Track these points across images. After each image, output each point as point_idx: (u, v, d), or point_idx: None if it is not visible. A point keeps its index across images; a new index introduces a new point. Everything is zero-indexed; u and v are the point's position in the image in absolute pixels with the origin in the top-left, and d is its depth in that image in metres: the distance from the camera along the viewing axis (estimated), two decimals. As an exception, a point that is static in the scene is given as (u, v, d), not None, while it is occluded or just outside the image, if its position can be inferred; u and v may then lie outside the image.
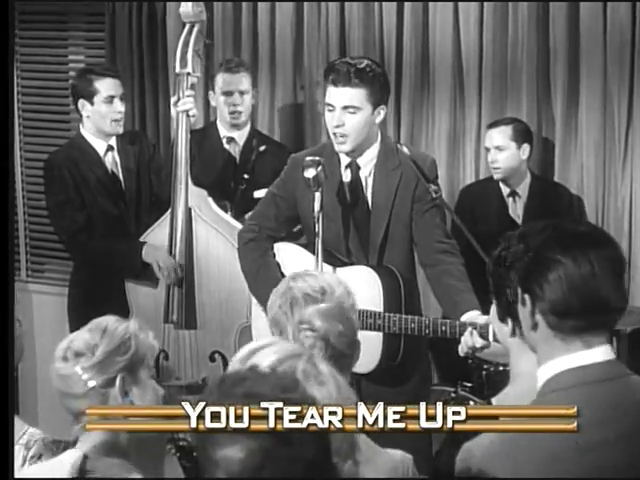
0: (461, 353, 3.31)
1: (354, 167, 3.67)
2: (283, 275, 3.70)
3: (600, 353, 1.94)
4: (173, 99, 4.30)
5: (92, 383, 2.28)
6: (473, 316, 3.37)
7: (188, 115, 4.23)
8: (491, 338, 3.20)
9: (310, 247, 3.72)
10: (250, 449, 1.62)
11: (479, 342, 3.23)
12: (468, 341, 3.25)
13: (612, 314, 1.96)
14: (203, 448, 1.68)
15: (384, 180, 3.66)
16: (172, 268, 4.22)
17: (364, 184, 3.68)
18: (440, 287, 3.59)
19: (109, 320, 2.36)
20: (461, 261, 3.63)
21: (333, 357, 2.31)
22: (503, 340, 2.34)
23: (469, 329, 3.25)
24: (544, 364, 1.96)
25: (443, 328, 3.34)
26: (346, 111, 3.54)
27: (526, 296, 1.95)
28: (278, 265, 3.77)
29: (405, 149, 3.64)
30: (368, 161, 3.67)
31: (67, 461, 2.29)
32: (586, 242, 1.93)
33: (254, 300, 3.86)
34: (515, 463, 1.88)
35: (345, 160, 3.68)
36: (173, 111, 4.27)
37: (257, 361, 1.97)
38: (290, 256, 3.78)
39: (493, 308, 2.29)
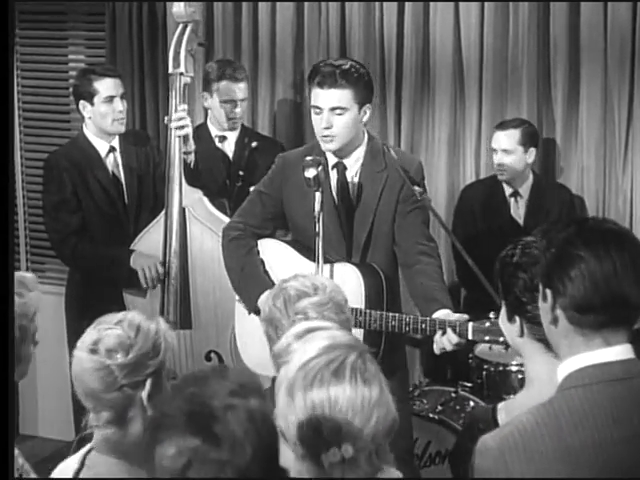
0: (437, 352, 3.36)
1: (341, 168, 3.69)
2: (267, 273, 3.72)
3: (621, 351, 1.96)
4: (166, 119, 4.30)
5: (123, 381, 2.27)
6: (443, 314, 3.40)
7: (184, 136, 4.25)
8: (470, 336, 3.22)
9: (293, 244, 3.75)
10: (180, 447, 1.64)
11: (449, 345, 3.28)
12: (438, 343, 3.31)
13: (632, 310, 1.97)
14: (147, 444, 1.70)
15: (369, 182, 3.67)
16: (156, 276, 4.25)
17: (350, 184, 3.69)
18: (415, 286, 3.61)
19: (140, 318, 2.34)
20: (438, 262, 3.65)
21: None
22: (512, 341, 2.35)
23: (439, 332, 3.29)
24: (565, 360, 1.98)
25: (423, 326, 3.36)
26: (334, 112, 3.55)
27: (547, 291, 1.97)
28: (262, 263, 3.77)
29: (392, 152, 3.65)
30: (354, 162, 3.68)
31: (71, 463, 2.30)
32: (608, 239, 1.95)
33: (237, 297, 3.86)
34: (531, 456, 1.89)
35: (332, 160, 3.69)
36: (166, 120, 4.30)
37: (309, 340, 1.95)
38: (274, 252, 3.78)
39: (502, 310, 2.31)
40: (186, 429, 1.64)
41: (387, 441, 1.88)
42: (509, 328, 2.32)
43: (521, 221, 4.59)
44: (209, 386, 1.70)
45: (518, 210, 4.61)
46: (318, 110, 3.58)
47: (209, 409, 1.66)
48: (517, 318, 2.27)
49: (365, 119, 3.63)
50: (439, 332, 3.31)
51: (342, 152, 3.66)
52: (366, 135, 3.71)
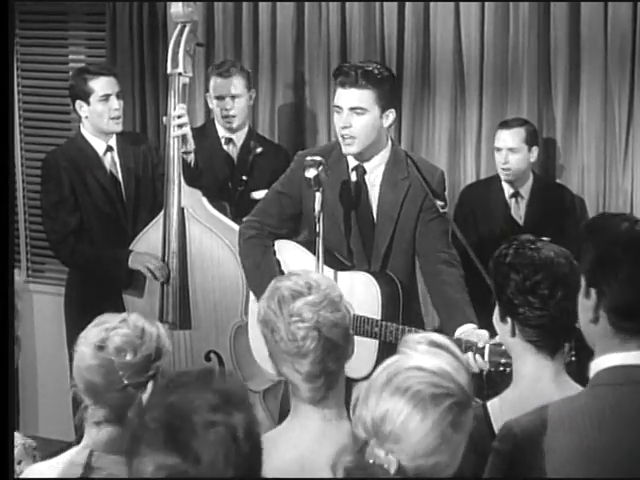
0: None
1: (360, 171, 3.67)
2: (282, 273, 3.70)
3: None
4: (165, 119, 4.30)
5: (126, 381, 2.27)
6: (468, 330, 3.36)
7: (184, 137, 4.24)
8: (486, 358, 3.14)
9: (311, 245, 3.73)
10: (158, 464, 1.61)
11: (477, 369, 3.17)
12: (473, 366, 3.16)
13: None
14: (127, 453, 1.67)
15: (391, 190, 3.65)
16: (161, 266, 4.23)
17: (369, 189, 3.68)
18: (438, 297, 3.60)
19: (143, 320, 2.35)
20: (461, 272, 3.62)
21: (326, 349, 2.30)
22: (504, 341, 2.34)
23: (469, 354, 3.16)
24: (598, 357, 1.97)
25: None
26: (353, 112, 3.54)
27: (592, 290, 1.95)
28: (278, 262, 3.77)
29: (415, 160, 3.63)
30: (375, 166, 3.66)
31: (78, 462, 2.28)
32: None
33: (252, 297, 3.87)
34: (551, 449, 1.89)
35: (352, 163, 3.67)
36: (165, 120, 4.29)
37: (438, 355, 1.91)
38: (291, 254, 3.78)
39: (496, 309, 2.30)
40: (165, 445, 1.61)
41: None
42: (501, 327, 2.32)
43: (521, 222, 4.59)
44: (191, 397, 1.65)
45: (519, 211, 4.60)
46: (339, 109, 3.57)
47: (189, 424, 1.61)
48: (509, 319, 2.27)
49: (387, 124, 3.61)
50: (469, 354, 3.19)
51: (363, 155, 3.64)
52: (389, 141, 3.69)
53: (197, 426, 1.61)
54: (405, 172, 3.65)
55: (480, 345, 3.18)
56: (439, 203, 3.53)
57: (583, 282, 1.98)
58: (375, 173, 3.67)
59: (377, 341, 3.49)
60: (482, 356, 3.18)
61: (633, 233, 1.95)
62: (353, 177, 3.67)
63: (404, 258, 3.69)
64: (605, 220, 2.04)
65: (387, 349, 3.49)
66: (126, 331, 2.30)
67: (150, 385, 2.29)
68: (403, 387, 1.81)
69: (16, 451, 2.47)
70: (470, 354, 3.21)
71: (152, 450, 1.61)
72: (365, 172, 3.67)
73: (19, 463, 2.44)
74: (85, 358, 2.28)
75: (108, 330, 2.30)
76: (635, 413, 1.90)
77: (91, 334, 2.31)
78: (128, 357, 2.26)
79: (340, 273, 3.62)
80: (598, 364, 1.97)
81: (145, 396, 2.28)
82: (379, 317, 3.51)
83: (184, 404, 1.64)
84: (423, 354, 1.89)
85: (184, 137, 4.23)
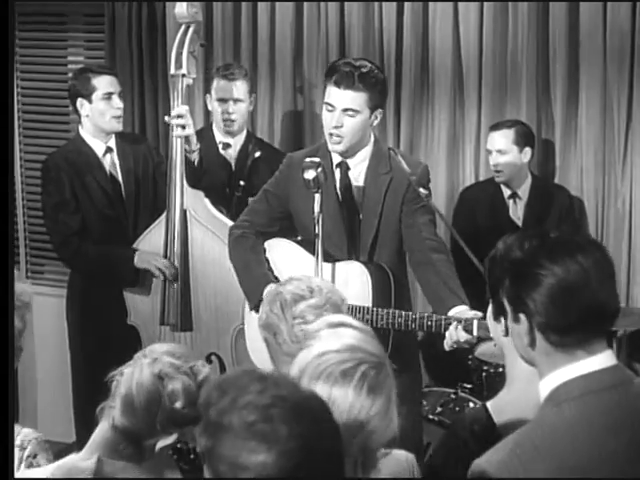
0: (446, 347, 3.34)
1: (344, 167, 3.71)
2: (272, 271, 3.73)
3: (604, 359, 1.91)
4: (167, 118, 4.29)
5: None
6: (461, 311, 3.39)
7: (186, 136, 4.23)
8: (475, 333, 3.22)
9: (304, 244, 3.75)
10: (283, 451, 1.58)
11: (463, 337, 3.26)
12: (453, 335, 3.28)
13: (610, 318, 1.92)
14: (226, 457, 1.62)
15: (374, 184, 3.69)
16: (169, 265, 4.23)
17: (353, 185, 3.71)
18: (428, 284, 3.61)
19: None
20: (449, 258, 3.66)
21: None
22: (497, 339, 2.35)
23: (454, 323, 3.27)
24: (547, 375, 1.92)
25: (429, 323, 3.36)
26: (345, 113, 3.58)
27: (520, 315, 1.91)
28: (267, 261, 3.79)
29: (398, 155, 3.66)
30: (358, 162, 3.71)
31: (84, 467, 2.28)
32: (573, 249, 1.88)
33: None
34: (531, 476, 1.83)
35: (336, 160, 3.71)
36: (167, 119, 4.29)
37: (337, 334, 1.94)
38: (284, 252, 3.80)
39: (490, 307, 2.30)
40: (286, 433, 1.58)
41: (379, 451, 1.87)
42: (495, 326, 2.31)
43: (520, 222, 4.59)
44: (281, 385, 1.63)
45: (517, 212, 4.61)
46: (330, 108, 3.60)
47: (288, 407, 1.59)
48: (502, 319, 2.27)
49: (375, 123, 3.66)
50: (452, 325, 3.29)
51: (347, 152, 3.68)
52: (372, 137, 3.73)
53: (299, 406, 1.61)
54: (387, 167, 3.69)
55: (467, 318, 3.23)
56: (423, 191, 3.54)
57: (509, 309, 1.94)
58: (358, 169, 3.72)
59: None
60: (469, 332, 3.23)
61: (543, 246, 1.90)
62: (337, 174, 3.72)
63: (390, 251, 3.72)
64: (514, 240, 1.95)
65: (380, 336, 3.51)
66: (188, 381, 2.24)
67: (173, 437, 2.27)
68: (315, 374, 1.85)
69: (31, 446, 2.45)
70: (452, 327, 3.26)
71: (269, 441, 1.58)
72: (349, 168, 3.71)
73: (34, 457, 2.43)
74: (143, 372, 2.26)
75: (177, 368, 2.25)
76: (604, 422, 1.85)
77: (164, 358, 2.27)
78: (177, 405, 2.23)
79: (332, 263, 3.63)
80: (550, 381, 1.90)
81: (163, 443, 2.27)
82: (370, 305, 3.53)
83: (278, 389, 1.62)
84: (325, 339, 1.91)
85: (187, 137, 4.23)
